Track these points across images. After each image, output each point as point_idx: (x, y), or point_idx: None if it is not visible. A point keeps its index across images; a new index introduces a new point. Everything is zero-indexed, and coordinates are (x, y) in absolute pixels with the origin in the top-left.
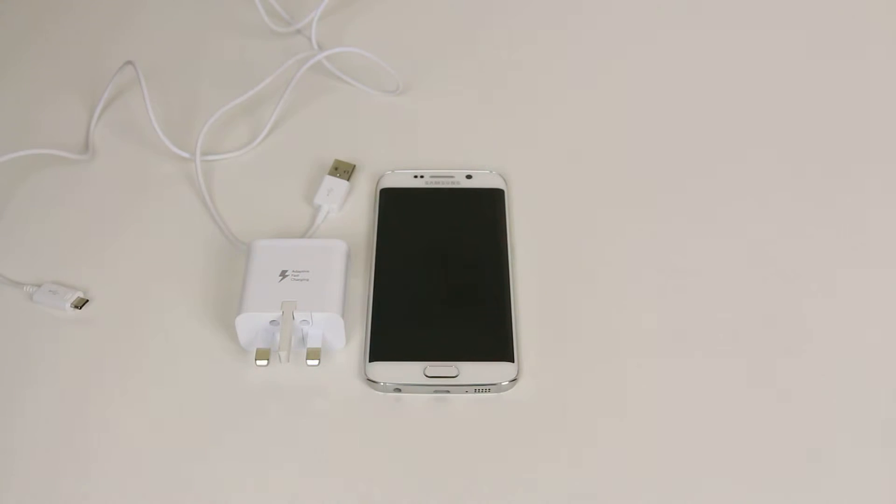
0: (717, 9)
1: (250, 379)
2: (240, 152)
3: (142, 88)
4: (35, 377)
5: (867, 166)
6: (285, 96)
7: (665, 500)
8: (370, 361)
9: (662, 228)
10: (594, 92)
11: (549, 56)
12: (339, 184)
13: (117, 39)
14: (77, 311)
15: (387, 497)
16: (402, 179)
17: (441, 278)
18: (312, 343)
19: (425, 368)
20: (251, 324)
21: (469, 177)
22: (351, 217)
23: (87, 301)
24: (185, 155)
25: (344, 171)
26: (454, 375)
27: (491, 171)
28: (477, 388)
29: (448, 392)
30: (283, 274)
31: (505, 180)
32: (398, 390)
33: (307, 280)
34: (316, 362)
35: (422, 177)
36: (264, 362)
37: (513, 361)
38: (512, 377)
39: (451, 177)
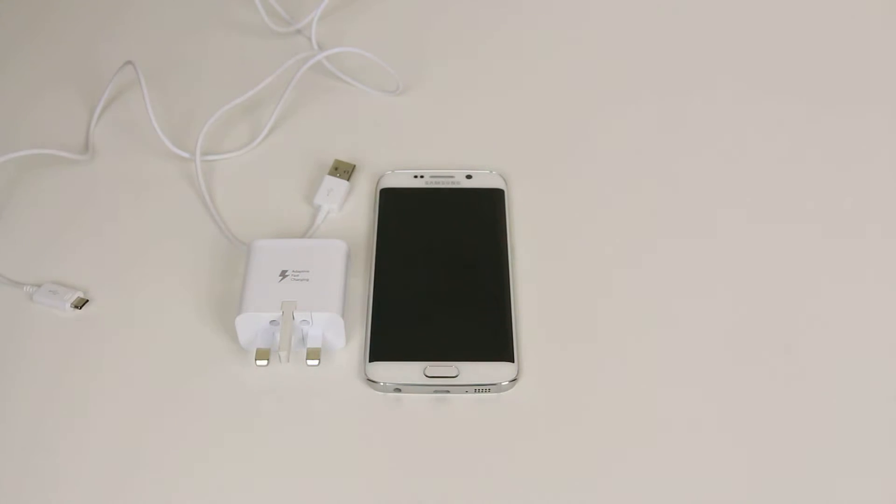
0: (719, 9)
1: (250, 379)
2: (240, 152)
3: (142, 88)
4: (35, 377)
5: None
6: (285, 96)
7: (665, 499)
8: (370, 361)
9: (663, 228)
10: (594, 92)
11: (550, 56)
12: (339, 184)
13: (117, 39)
14: (77, 310)
15: (387, 497)
16: (402, 179)
17: (441, 278)
18: (312, 343)
19: (425, 368)
20: (251, 324)
21: (469, 177)
22: (351, 217)
23: (87, 301)
24: (185, 155)
25: (344, 171)
26: (454, 375)
27: (491, 171)
28: (477, 388)
29: (448, 392)
30: (283, 274)
31: (505, 180)
32: (398, 390)
33: (307, 280)
34: (316, 362)
35: (422, 177)
36: (264, 362)
37: (513, 361)
38: (512, 377)
39: (451, 177)
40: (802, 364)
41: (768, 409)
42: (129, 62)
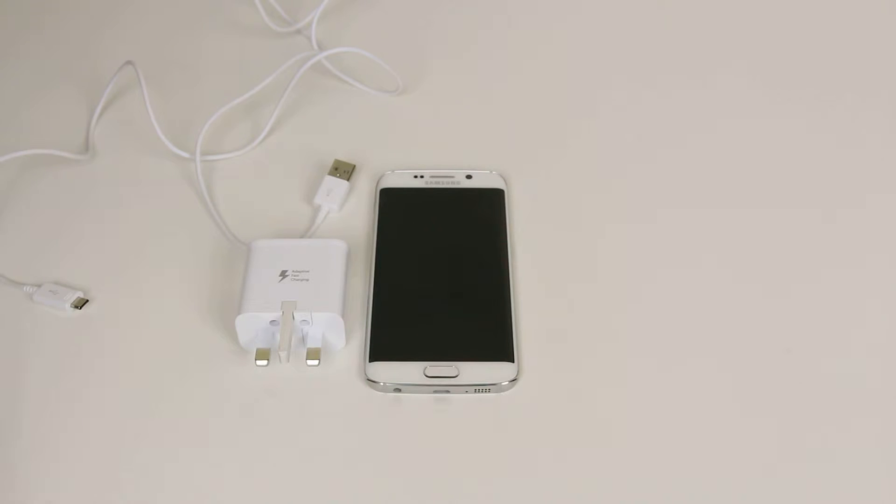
0: (721, 10)
1: (250, 379)
2: (240, 152)
3: (142, 88)
4: (35, 377)
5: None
6: (285, 96)
7: (665, 500)
8: (370, 361)
9: (663, 228)
10: (594, 92)
11: (550, 56)
12: (339, 184)
13: (117, 39)
14: (77, 310)
15: (387, 497)
16: (402, 179)
17: (441, 278)
18: (312, 343)
19: (425, 368)
20: (251, 324)
21: (469, 177)
22: (351, 217)
23: (87, 301)
24: (185, 155)
25: (344, 171)
26: (454, 375)
27: (491, 171)
28: (477, 388)
29: (448, 392)
30: (283, 274)
31: (505, 180)
32: (398, 390)
33: (307, 280)
34: (316, 362)
35: (422, 177)
36: (264, 362)
37: (513, 361)
38: (512, 377)
39: (451, 177)
40: (804, 364)
41: (769, 410)
42: (129, 62)
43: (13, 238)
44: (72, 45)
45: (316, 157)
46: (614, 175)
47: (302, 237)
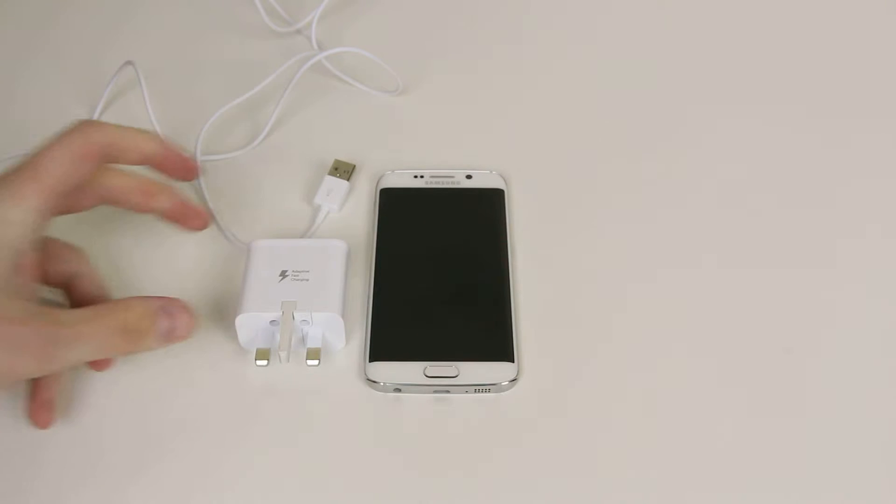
0: (719, 9)
1: (250, 379)
2: (240, 152)
3: (142, 88)
4: None
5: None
6: (285, 96)
7: (665, 500)
8: (370, 361)
9: (663, 228)
10: (594, 92)
11: (550, 56)
12: (339, 184)
13: (117, 39)
14: None
15: (387, 497)
16: (402, 179)
17: (441, 278)
18: (312, 343)
19: (425, 368)
20: (251, 324)
21: (469, 177)
22: (351, 217)
23: None
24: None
25: (344, 171)
26: (454, 375)
27: (491, 171)
28: (477, 388)
29: (448, 392)
30: (283, 274)
31: (505, 180)
32: (398, 390)
33: (307, 280)
34: (316, 362)
35: (422, 177)
36: (264, 362)
37: (513, 361)
38: (512, 377)
39: (451, 177)
40: (805, 366)
41: (769, 410)
42: (129, 62)
43: None
44: (72, 46)
45: (316, 157)
46: (614, 175)
47: (302, 237)
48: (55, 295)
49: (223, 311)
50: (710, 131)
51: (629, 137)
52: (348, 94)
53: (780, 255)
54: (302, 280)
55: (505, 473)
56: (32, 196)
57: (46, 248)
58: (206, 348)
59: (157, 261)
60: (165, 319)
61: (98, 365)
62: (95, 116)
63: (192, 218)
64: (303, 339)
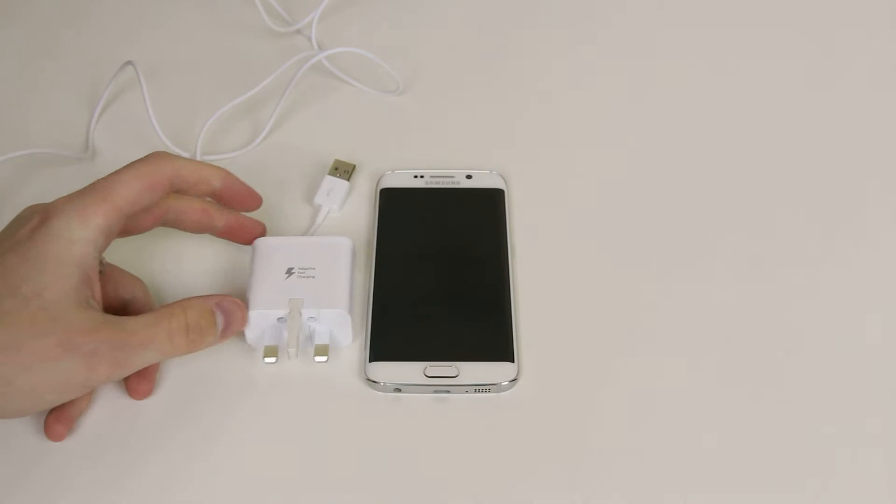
0: (719, 13)
1: (256, 377)
2: (240, 152)
3: (142, 88)
4: None
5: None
6: (285, 96)
7: (665, 499)
8: (370, 361)
9: (663, 227)
10: (594, 92)
11: (550, 56)
12: (339, 184)
13: (117, 39)
14: None
15: (386, 497)
16: (402, 179)
17: (441, 278)
18: (320, 340)
19: (425, 368)
20: (258, 321)
21: (469, 177)
22: (351, 217)
23: None
24: (186, 155)
25: (344, 171)
26: (454, 375)
27: (491, 171)
28: (477, 388)
29: (448, 392)
30: (290, 272)
31: (505, 180)
32: (398, 390)
33: (313, 277)
34: (324, 359)
35: (422, 177)
36: (273, 359)
37: (513, 361)
38: (512, 377)
39: (451, 177)
40: (804, 365)
41: (769, 410)
42: (129, 62)
43: None
44: (72, 45)
45: (316, 157)
46: (614, 175)
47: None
48: None
49: None
50: (711, 131)
51: (630, 137)
52: (348, 94)
53: (781, 256)
54: (308, 277)
55: (505, 473)
56: (100, 216)
57: (109, 275)
58: (213, 346)
59: (160, 261)
60: (222, 316)
61: (138, 394)
62: (95, 116)
63: (247, 231)
64: (310, 337)
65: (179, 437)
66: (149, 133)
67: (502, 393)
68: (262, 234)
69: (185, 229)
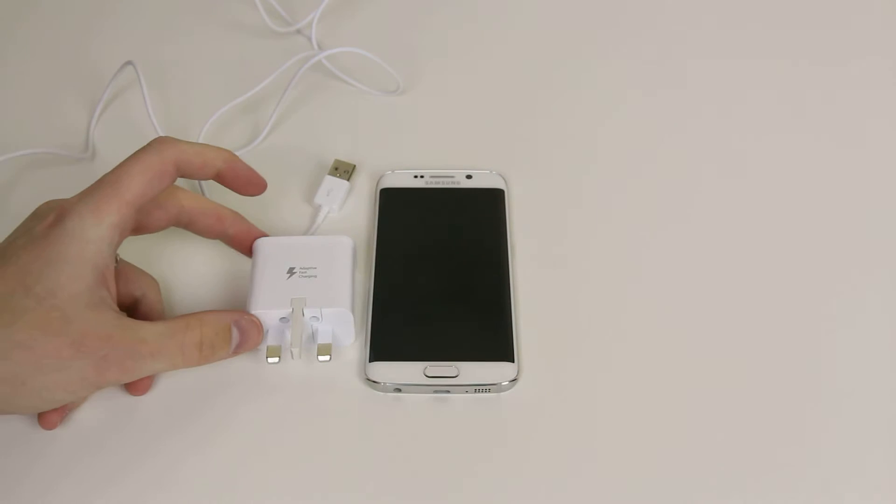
0: (722, 12)
1: (258, 377)
2: (240, 152)
3: (142, 88)
4: None
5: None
6: (285, 96)
7: (665, 499)
8: (370, 361)
9: (663, 228)
10: (595, 91)
11: (550, 56)
12: (339, 184)
13: (117, 39)
14: None
15: (386, 497)
16: (402, 179)
17: (441, 278)
18: (323, 339)
19: (425, 368)
20: (261, 321)
21: (469, 177)
22: (351, 217)
23: None
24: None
25: (344, 171)
26: (454, 375)
27: (491, 171)
28: (477, 388)
29: (448, 392)
30: (291, 271)
31: (505, 180)
32: (398, 390)
33: (315, 277)
34: (327, 358)
35: (422, 177)
36: (276, 359)
37: (513, 361)
38: (512, 377)
39: (451, 177)
40: (804, 365)
41: (769, 410)
42: (129, 62)
43: None
44: (72, 45)
45: (316, 157)
46: (615, 175)
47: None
48: None
49: None
50: (713, 129)
51: (629, 137)
52: (348, 94)
53: (782, 256)
54: (310, 277)
55: (505, 473)
56: (113, 212)
57: (122, 272)
58: None
59: (159, 261)
60: (238, 333)
61: (136, 389)
62: (95, 116)
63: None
64: (312, 336)
65: (178, 436)
66: (149, 133)
67: (502, 393)
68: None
69: (196, 232)
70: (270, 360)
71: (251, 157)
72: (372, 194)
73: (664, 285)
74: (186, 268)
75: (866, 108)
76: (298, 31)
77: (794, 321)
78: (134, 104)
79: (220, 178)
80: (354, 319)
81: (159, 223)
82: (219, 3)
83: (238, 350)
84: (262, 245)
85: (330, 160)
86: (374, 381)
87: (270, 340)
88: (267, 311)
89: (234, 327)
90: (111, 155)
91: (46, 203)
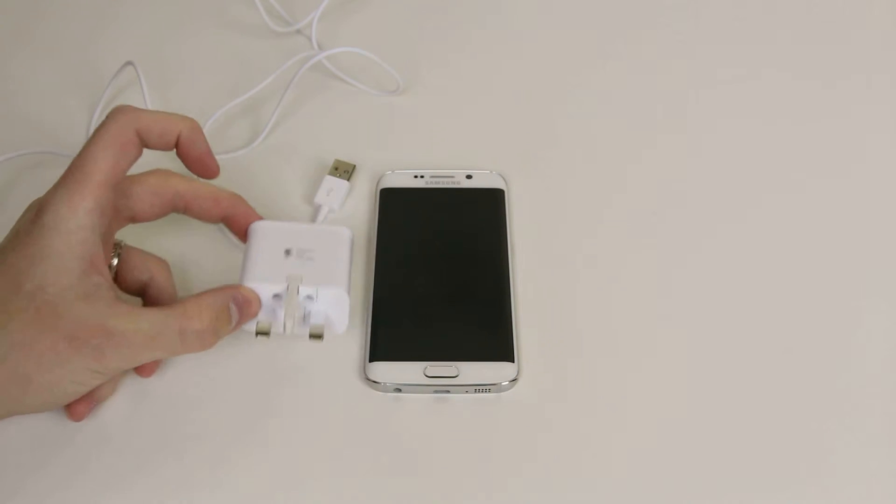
0: (717, 7)
1: (258, 376)
2: (240, 152)
3: (142, 88)
4: None
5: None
6: (285, 96)
7: (665, 500)
8: (370, 361)
9: (663, 228)
10: (595, 91)
11: (550, 56)
12: (339, 184)
13: (117, 39)
14: None
15: (386, 497)
16: (402, 179)
17: (441, 278)
18: (316, 320)
19: (425, 368)
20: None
21: (469, 177)
22: (351, 217)
23: None
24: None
25: (344, 171)
26: (454, 375)
27: (491, 171)
28: (477, 388)
29: (448, 392)
30: (288, 252)
31: (505, 180)
32: (398, 390)
33: (312, 259)
34: (320, 340)
35: (422, 177)
36: (265, 337)
37: (513, 361)
38: (512, 377)
39: (451, 177)
40: (804, 365)
41: (769, 410)
42: (129, 62)
43: None
44: (72, 45)
45: (316, 157)
46: (614, 175)
47: None
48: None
49: None
50: (713, 129)
51: (630, 137)
52: (348, 93)
53: (782, 255)
54: (307, 259)
55: (505, 473)
56: (86, 198)
57: (125, 258)
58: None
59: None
60: (236, 310)
61: (144, 371)
62: (95, 116)
63: (250, 221)
64: (305, 318)
65: (178, 436)
66: None
67: (502, 393)
68: None
69: (195, 216)
70: (260, 337)
71: (251, 156)
72: (372, 194)
73: (664, 285)
74: (183, 267)
75: (875, 118)
76: (298, 31)
77: (795, 322)
78: (134, 104)
79: (179, 148)
80: (350, 305)
81: (156, 209)
82: (219, 3)
83: (238, 324)
84: (258, 226)
85: (330, 160)
86: (374, 381)
87: (261, 318)
88: (261, 284)
89: (232, 304)
90: None
91: (34, 201)
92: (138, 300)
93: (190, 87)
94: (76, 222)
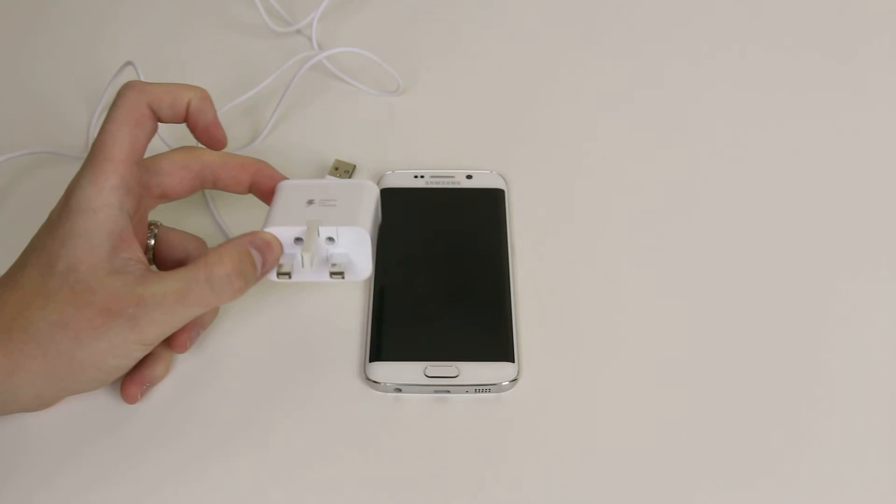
0: (721, 11)
1: (252, 365)
2: (240, 152)
3: None
4: None
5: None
6: (285, 96)
7: (665, 500)
8: (370, 361)
9: (663, 229)
10: (595, 91)
11: (550, 56)
12: None
13: (117, 39)
14: None
15: (386, 497)
16: (402, 179)
17: (441, 278)
18: (338, 260)
19: (425, 368)
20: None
21: (469, 177)
22: None
23: None
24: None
25: (344, 171)
26: (454, 375)
27: (491, 171)
28: (477, 388)
29: (448, 392)
30: (311, 202)
31: (505, 180)
32: (398, 390)
33: (334, 206)
34: (341, 278)
35: (422, 177)
36: (286, 278)
37: (513, 361)
38: (512, 377)
39: (451, 177)
40: (804, 364)
41: (769, 410)
42: (129, 62)
43: (13, 238)
44: (72, 45)
45: (316, 157)
46: (615, 175)
47: None
48: None
49: (227, 308)
50: (713, 129)
51: (630, 137)
52: (348, 93)
53: (782, 255)
54: (329, 206)
55: (505, 473)
56: (109, 176)
57: (162, 237)
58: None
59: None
60: (257, 254)
61: (177, 345)
62: (95, 116)
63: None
64: (326, 261)
65: (177, 434)
66: None
67: (502, 393)
68: None
69: (224, 188)
70: (280, 278)
71: (252, 156)
72: None
73: (664, 285)
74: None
75: (870, 104)
76: (298, 31)
77: (796, 320)
78: None
79: (189, 118)
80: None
81: (185, 184)
82: (219, 3)
83: (264, 270)
84: (284, 184)
85: (330, 160)
86: (375, 381)
87: (282, 261)
88: (281, 227)
89: (252, 248)
90: None
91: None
92: None
93: None
94: (102, 201)
